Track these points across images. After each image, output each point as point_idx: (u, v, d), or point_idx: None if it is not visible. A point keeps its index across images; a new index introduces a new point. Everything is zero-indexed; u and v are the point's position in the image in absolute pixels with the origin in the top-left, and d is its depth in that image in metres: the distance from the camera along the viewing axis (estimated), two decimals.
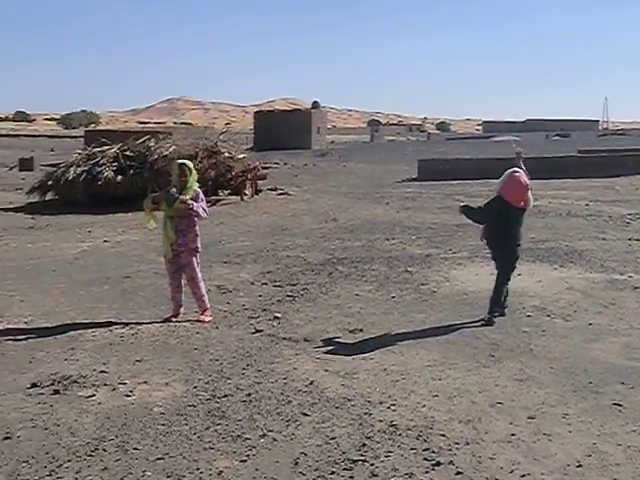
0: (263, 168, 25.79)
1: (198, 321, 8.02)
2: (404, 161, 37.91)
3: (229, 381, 5.98)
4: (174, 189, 8.16)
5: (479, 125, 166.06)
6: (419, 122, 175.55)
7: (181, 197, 8.10)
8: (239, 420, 5.13)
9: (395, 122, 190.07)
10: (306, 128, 58.72)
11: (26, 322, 8.08)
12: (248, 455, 4.57)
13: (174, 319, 8.09)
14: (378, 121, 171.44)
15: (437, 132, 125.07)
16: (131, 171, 20.99)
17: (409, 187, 25.23)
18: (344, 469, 4.35)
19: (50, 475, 4.28)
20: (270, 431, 4.93)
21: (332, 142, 67.75)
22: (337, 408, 5.36)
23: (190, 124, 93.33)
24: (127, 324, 7.88)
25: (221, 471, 4.34)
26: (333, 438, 4.81)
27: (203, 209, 8.29)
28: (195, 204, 8.15)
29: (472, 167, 28.63)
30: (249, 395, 5.64)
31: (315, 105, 67.51)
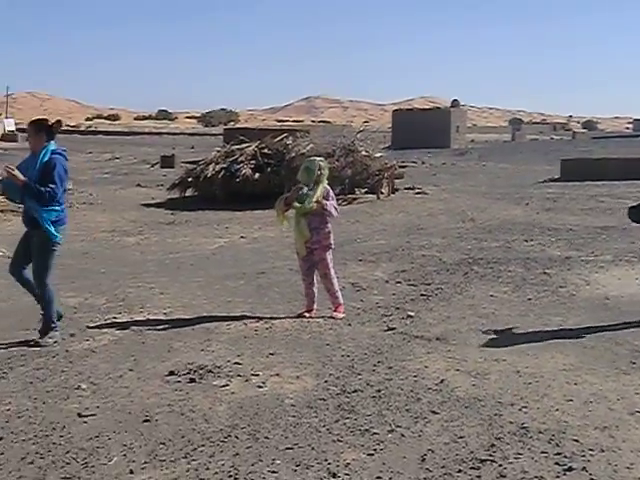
0: (400, 167, 25.86)
1: (331, 317, 8.18)
2: (546, 161, 37.06)
3: (359, 377, 6.09)
4: (305, 188, 8.31)
5: (629, 123, 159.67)
6: (564, 121, 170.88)
7: (315, 197, 8.26)
8: (368, 415, 5.23)
9: (538, 121, 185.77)
10: (445, 127, 58.33)
11: (165, 313, 8.47)
12: (375, 449, 4.66)
13: (307, 315, 8.27)
14: (520, 119, 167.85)
15: (583, 131, 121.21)
16: (269, 169, 21.51)
17: (550, 188, 24.67)
18: (471, 468, 4.37)
19: (185, 457, 4.52)
20: (398, 427, 5.01)
21: (472, 141, 66.98)
22: (467, 407, 5.38)
23: (328, 122, 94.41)
24: (261, 318, 8.13)
25: (348, 463, 4.45)
26: (461, 437, 4.84)
27: (334, 207, 8.43)
28: (327, 202, 8.31)
29: (619, 167, 27.63)
30: (379, 391, 5.73)
31: (455, 103, 66.82)
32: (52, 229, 7.09)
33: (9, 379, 6.07)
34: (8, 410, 5.38)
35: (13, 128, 60.00)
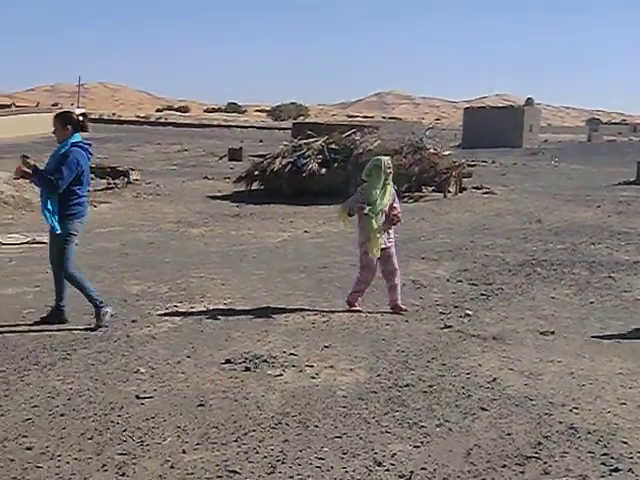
0: (469, 166, 25.79)
1: (396, 313, 8.32)
2: (622, 163, 36.39)
3: (412, 372, 6.23)
4: (367, 208, 8.24)
5: None
6: None
7: (393, 214, 8.36)
8: (417, 409, 5.37)
9: (617, 121, 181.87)
10: (518, 126, 57.68)
11: (225, 304, 8.72)
12: (422, 442, 4.80)
13: (358, 308, 8.41)
14: (598, 120, 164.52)
15: None
16: (335, 164, 21.70)
17: (625, 191, 24.30)
18: (516, 464, 4.48)
19: (236, 441, 4.72)
20: (447, 421, 5.14)
21: (545, 141, 66.07)
22: (517, 406, 5.47)
23: (399, 119, 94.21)
24: (320, 312, 8.32)
25: (395, 454, 4.60)
26: (509, 434, 4.94)
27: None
28: (399, 210, 8.43)
29: None
30: (430, 387, 5.86)
31: (529, 102, 65.99)
32: (54, 221, 7.29)
33: (72, 360, 6.38)
34: (71, 389, 5.67)
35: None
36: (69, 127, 7.43)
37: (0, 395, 5.52)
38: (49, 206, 7.29)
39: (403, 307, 8.44)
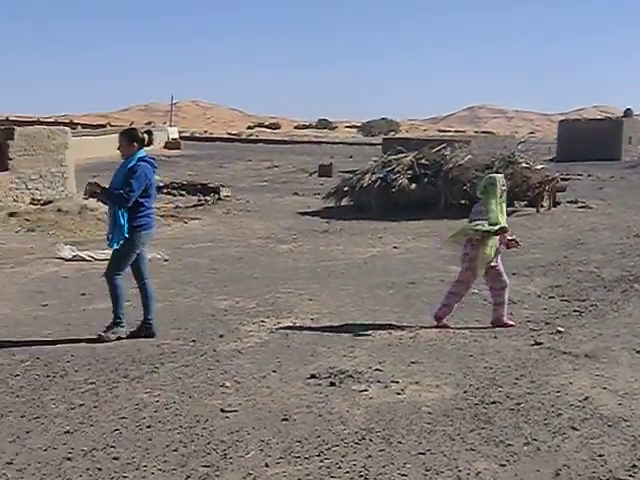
0: (563, 179, 25.30)
1: (498, 326, 8.29)
2: None
3: (500, 389, 6.14)
4: (482, 226, 8.22)
5: None
6: None
7: (509, 239, 8.45)
8: (504, 427, 5.29)
9: None
10: (616, 138, 56.27)
11: (312, 319, 8.77)
12: (509, 460, 4.72)
13: (446, 323, 8.35)
14: None
15: None
16: (425, 179, 21.63)
17: None
18: None
19: (319, 455, 4.74)
20: (535, 440, 5.04)
21: None
22: (610, 426, 5.33)
23: (491, 133, 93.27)
24: (407, 328, 8.29)
25: (479, 472, 4.54)
26: (601, 455, 4.82)
27: None
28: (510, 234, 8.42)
29: None
30: (518, 404, 5.76)
31: (628, 113, 64.36)
32: (124, 233, 7.56)
33: (160, 373, 6.52)
34: (157, 402, 5.79)
35: (176, 136, 62.79)
36: (135, 144, 7.76)
37: (90, 406, 5.69)
38: (121, 221, 7.56)
39: (511, 323, 8.36)
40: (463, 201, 21.56)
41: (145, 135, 7.85)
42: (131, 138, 7.78)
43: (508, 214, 20.23)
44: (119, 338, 7.66)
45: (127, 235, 7.56)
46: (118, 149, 7.88)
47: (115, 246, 7.65)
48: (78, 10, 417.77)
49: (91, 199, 16.67)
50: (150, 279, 8.05)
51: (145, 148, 7.85)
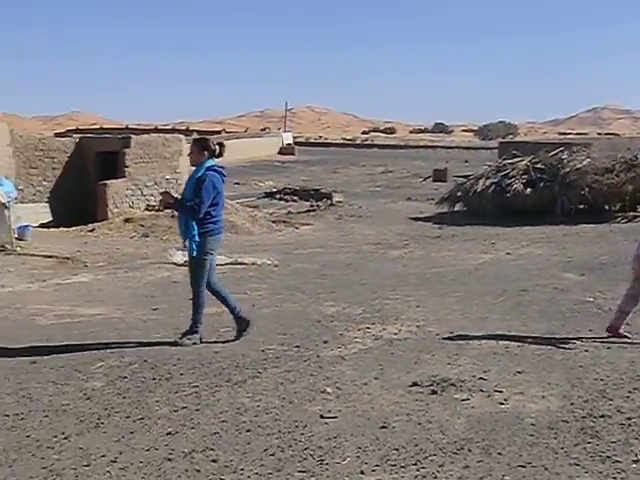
0: None
1: (613, 336, 8.07)
2: None
3: (610, 402, 5.95)
4: None
5: None
6: None
7: None
8: (612, 442, 5.12)
9: None
10: None
11: (418, 326, 8.73)
12: (615, 478, 4.57)
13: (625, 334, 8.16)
14: None
15: None
16: (541, 184, 21.26)
17: None
18: None
19: (415, 464, 4.72)
20: None
21: None
22: None
23: (615, 135, 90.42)
24: (515, 336, 8.14)
25: None
26: None
27: None
28: None
29: None
30: (629, 419, 5.57)
31: None
32: (193, 243, 7.75)
33: (262, 379, 6.62)
34: (258, 406, 5.89)
35: (291, 141, 63.52)
36: (205, 153, 7.94)
37: (192, 409, 5.83)
38: (191, 229, 7.75)
39: (626, 334, 8.13)
40: (581, 206, 21.08)
41: (217, 146, 8.04)
42: (202, 147, 7.98)
43: (629, 219, 19.87)
44: (194, 344, 7.85)
45: (196, 242, 7.76)
46: (189, 156, 8.14)
47: (193, 254, 7.83)
48: (195, 18, 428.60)
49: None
50: (218, 284, 8.20)
51: (216, 159, 8.02)
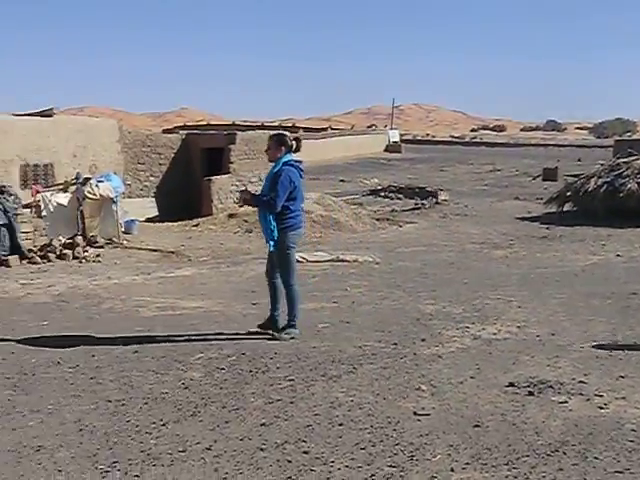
0: None
1: None
2: None
3: None
4: None
5: None
6: None
7: None
8: None
9: None
10: None
11: (519, 327, 8.64)
12: None
13: None
14: None
15: None
16: None
17: None
18: None
19: (507, 464, 4.70)
20: None
21: None
22: None
23: None
24: (620, 340, 7.97)
25: None
26: None
27: None
28: None
29: None
30: None
31: None
32: (274, 235, 7.88)
33: (357, 374, 6.70)
34: (352, 401, 5.96)
35: (397, 139, 63.23)
36: (282, 148, 8.07)
37: (286, 402, 5.95)
38: (271, 226, 7.89)
39: None
40: None
41: (294, 142, 8.14)
42: (280, 142, 8.12)
43: None
44: (292, 338, 7.98)
45: (277, 237, 7.89)
46: (266, 151, 8.28)
47: (272, 249, 8.01)
48: (302, 18, 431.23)
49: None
50: (279, 280, 8.23)
51: (293, 154, 8.12)
